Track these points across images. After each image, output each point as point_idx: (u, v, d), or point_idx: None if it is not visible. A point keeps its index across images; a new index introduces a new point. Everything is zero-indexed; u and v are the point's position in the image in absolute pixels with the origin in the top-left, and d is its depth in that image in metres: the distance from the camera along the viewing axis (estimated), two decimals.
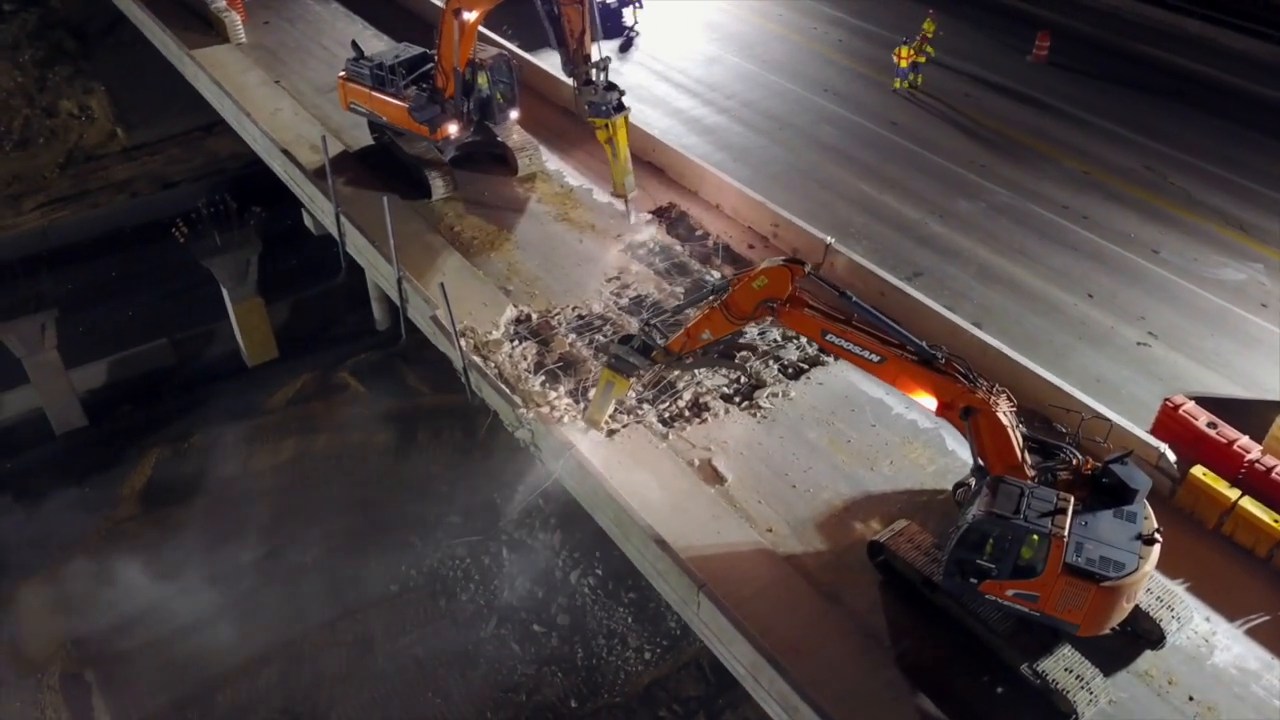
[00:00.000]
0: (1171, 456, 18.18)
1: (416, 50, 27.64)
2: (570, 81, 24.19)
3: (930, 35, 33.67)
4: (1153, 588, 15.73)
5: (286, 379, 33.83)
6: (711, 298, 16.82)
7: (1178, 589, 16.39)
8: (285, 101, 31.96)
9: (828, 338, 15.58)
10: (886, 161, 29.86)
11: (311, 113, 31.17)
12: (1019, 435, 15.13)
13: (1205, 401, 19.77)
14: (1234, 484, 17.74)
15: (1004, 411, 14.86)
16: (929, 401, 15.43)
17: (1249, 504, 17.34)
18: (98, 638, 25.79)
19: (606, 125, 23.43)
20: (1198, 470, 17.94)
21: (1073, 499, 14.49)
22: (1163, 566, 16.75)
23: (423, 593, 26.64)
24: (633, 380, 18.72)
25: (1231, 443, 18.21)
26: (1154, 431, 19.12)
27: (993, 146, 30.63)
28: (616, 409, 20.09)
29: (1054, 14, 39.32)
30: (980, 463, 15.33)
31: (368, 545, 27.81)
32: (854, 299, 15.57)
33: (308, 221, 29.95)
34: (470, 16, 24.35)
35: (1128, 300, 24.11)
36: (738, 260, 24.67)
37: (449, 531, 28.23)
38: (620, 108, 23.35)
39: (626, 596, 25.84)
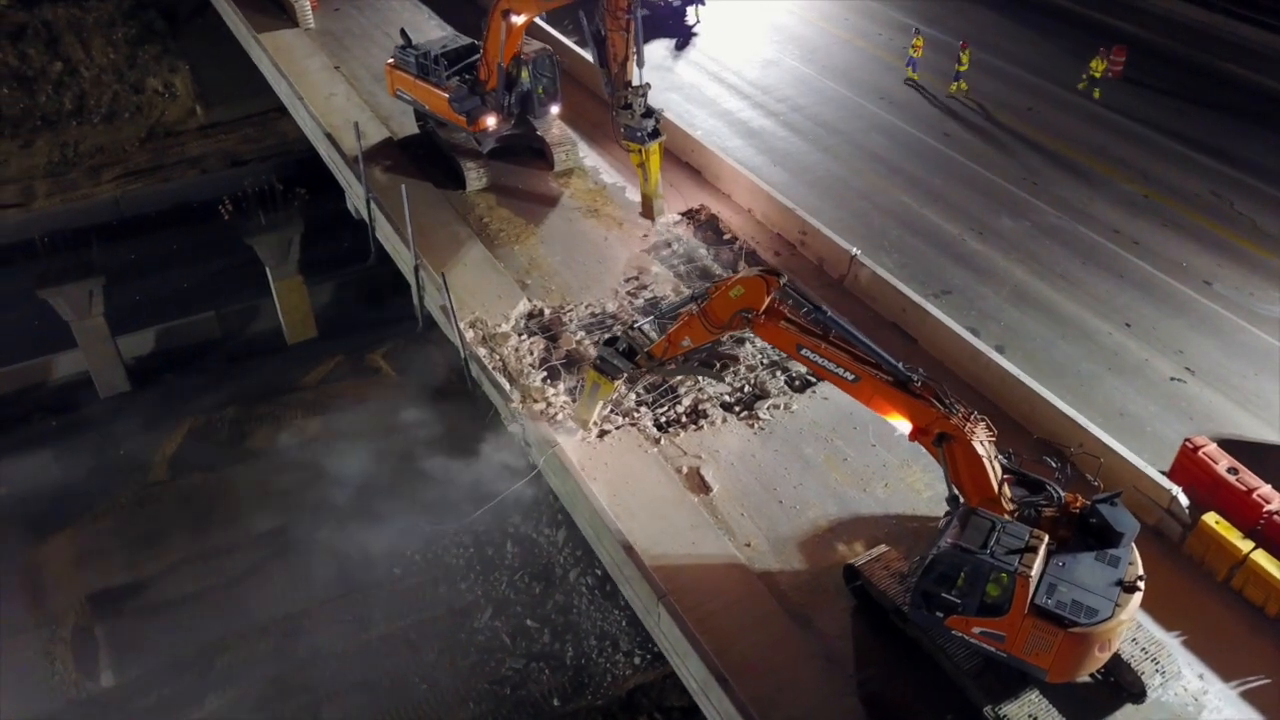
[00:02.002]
0: (1184, 500, 17.11)
1: (465, 41, 27.86)
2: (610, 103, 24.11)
3: (1099, 75, 32.60)
4: (1138, 638, 14.80)
5: (322, 358, 34.61)
6: (692, 305, 16.49)
7: (1168, 641, 15.42)
8: (341, 87, 32.57)
9: (802, 352, 15.07)
10: (933, 174, 28.85)
11: (364, 99, 31.70)
12: (997, 466, 14.41)
13: (1235, 445, 18.61)
14: (1249, 535, 16.58)
15: (981, 440, 14.15)
16: (904, 425, 14.81)
17: (1262, 558, 16.19)
18: (111, 596, 26.76)
19: (640, 150, 23.35)
20: (1209, 517, 16.82)
21: (1046, 537, 13.75)
22: (1161, 617, 15.91)
23: (424, 578, 26.93)
24: (618, 382, 18.45)
25: (1251, 491, 17.03)
26: (1172, 472, 18.05)
27: (1048, 164, 29.32)
28: (612, 410, 19.87)
29: (1135, 27, 37.53)
30: (955, 492, 14.67)
31: (378, 526, 28.20)
32: (829, 313, 15.00)
33: (349, 205, 30.45)
34: (519, 20, 24.50)
35: (1168, 332, 22.78)
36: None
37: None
38: (655, 134, 23.23)
39: (623, 599, 25.56)
